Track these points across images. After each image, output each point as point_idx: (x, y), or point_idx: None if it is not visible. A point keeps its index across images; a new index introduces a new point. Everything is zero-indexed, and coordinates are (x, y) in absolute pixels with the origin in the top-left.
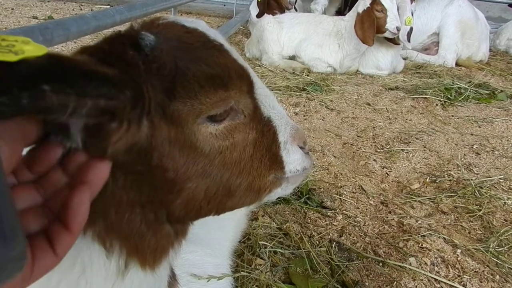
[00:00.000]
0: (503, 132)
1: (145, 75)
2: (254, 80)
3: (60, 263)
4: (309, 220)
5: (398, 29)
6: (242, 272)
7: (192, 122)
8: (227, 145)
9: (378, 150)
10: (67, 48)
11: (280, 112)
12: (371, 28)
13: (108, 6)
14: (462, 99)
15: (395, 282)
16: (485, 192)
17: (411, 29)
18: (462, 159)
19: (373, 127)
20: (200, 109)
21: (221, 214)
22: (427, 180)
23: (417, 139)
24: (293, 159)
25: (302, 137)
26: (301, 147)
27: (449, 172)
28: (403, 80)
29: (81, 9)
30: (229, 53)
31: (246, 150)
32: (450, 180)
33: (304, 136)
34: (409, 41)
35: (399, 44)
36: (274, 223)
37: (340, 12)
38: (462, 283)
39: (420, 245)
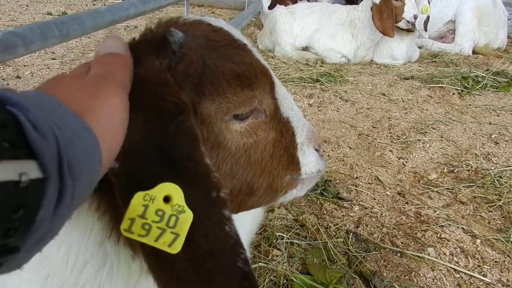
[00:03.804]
0: None
1: (173, 79)
2: (274, 81)
3: (91, 265)
4: (325, 211)
5: (415, 17)
6: (259, 263)
7: (220, 120)
8: (251, 142)
9: (394, 141)
10: (81, 43)
11: (298, 113)
12: (390, 19)
13: (121, 0)
14: (479, 87)
15: (414, 272)
16: (504, 182)
17: (428, 17)
18: (481, 149)
19: (389, 118)
20: (228, 107)
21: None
22: (445, 170)
23: (433, 129)
24: (309, 161)
25: (317, 139)
26: (316, 150)
27: (467, 162)
28: (419, 69)
29: (94, 4)
30: (252, 53)
31: (267, 149)
32: (468, 170)
33: (319, 139)
34: (425, 30)
35: (413, 31)
36: (290, 215)
37: (352, 1)
38: (482, 273)
39: (438, 235)
